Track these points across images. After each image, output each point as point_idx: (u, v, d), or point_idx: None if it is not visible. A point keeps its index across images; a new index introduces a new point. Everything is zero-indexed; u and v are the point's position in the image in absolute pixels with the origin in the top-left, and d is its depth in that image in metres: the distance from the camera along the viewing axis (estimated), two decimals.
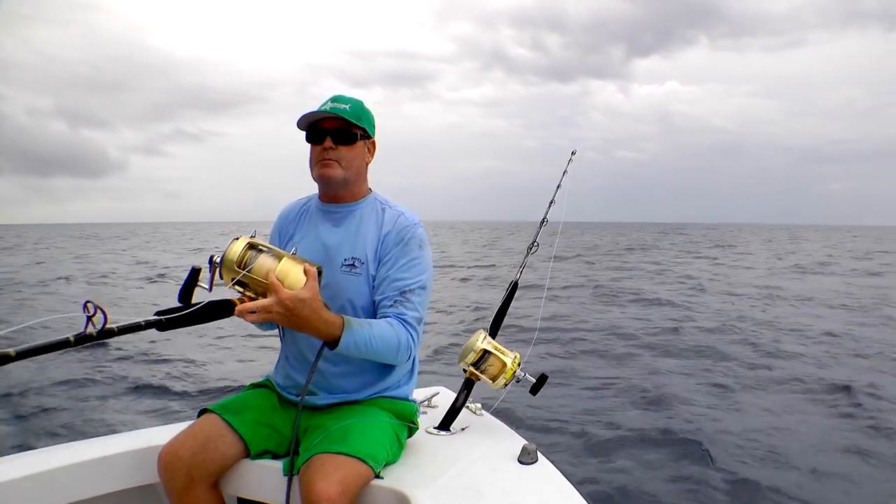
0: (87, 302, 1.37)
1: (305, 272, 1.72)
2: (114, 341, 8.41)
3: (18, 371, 6.84)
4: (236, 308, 1.69)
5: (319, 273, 1.79)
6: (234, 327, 8.81)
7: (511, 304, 2.66)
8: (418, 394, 2.40)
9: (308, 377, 1.89)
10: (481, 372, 2.33)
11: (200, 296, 1.68)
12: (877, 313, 11.99)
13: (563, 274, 19.15)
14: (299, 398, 1.94)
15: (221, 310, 1.66)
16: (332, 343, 1.80)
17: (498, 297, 2.70)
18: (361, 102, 2.06)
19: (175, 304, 1.65)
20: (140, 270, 21.06)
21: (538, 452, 2.01)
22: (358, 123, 2.00)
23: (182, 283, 1.66)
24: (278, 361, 2.18)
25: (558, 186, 2.93)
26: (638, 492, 3.89)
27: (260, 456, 1.98)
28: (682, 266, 23.97)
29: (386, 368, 2.06)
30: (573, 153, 3.00)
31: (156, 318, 1.52)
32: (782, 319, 10.97)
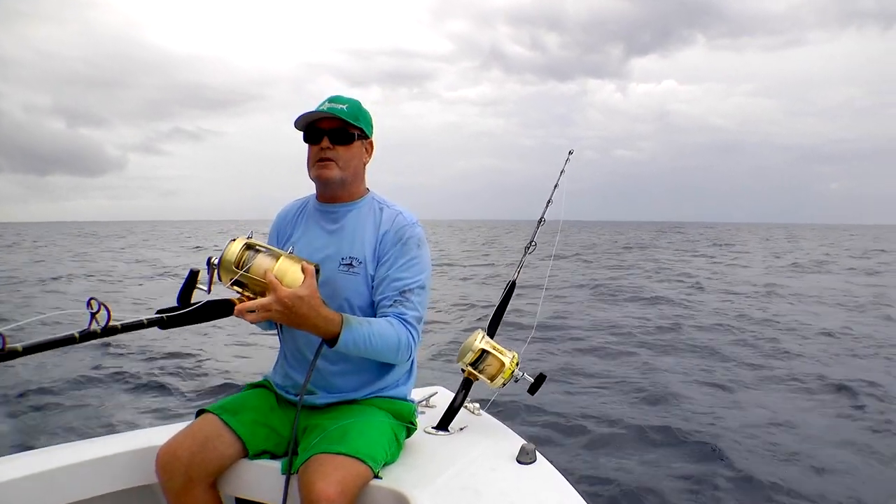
0: (91, 299, 1.38)
1: (303, 270, 1.73)
2: (115, 340, 8.48)
3: (17, 370, 6.85)
4: (235, 308, 1.70)
5: (317, 271, 1.80)
6: (234, 327, 8.82)
7: (509, 304, 2.67)
8: (416, 394, 2.41)
9: (307, 374, 1.89)
10: (479, 372, 2.33)
11: (199, 297, 1.70)
12: (875, 311, 12.04)
13: (562, 273, 19.16)
14: (298, 397, 1.94)
15: (221, 309, 1.69)
16: (332, 340, 1.81)
17: (496, 296, 2.70)
18: (359, 102, 2.06)
19: (175, 303, 1.67)
20: (140, 269, 21.05)
21: (536, 452, 2.01)
22: (355, 123, 2.01)
23: (181, 285, 1.67)
24: (277, 361, 2.19)
25: (556, 186, 2.93)
26: (637, 491, 3.89)
27: (258, 456, 1.98)
28: (680, 264, 24.01)
29: (384, 367, 2.06)
30: (570, 152, 3.00)
31: (158, 316, 1.54)
32: (781, 317, 10.99)
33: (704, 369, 7.12)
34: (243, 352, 8.10)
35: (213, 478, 1.91)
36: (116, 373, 6.97)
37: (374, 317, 1.96)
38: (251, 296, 1.72)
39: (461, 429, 2.31)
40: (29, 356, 1.28)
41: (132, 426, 3.63)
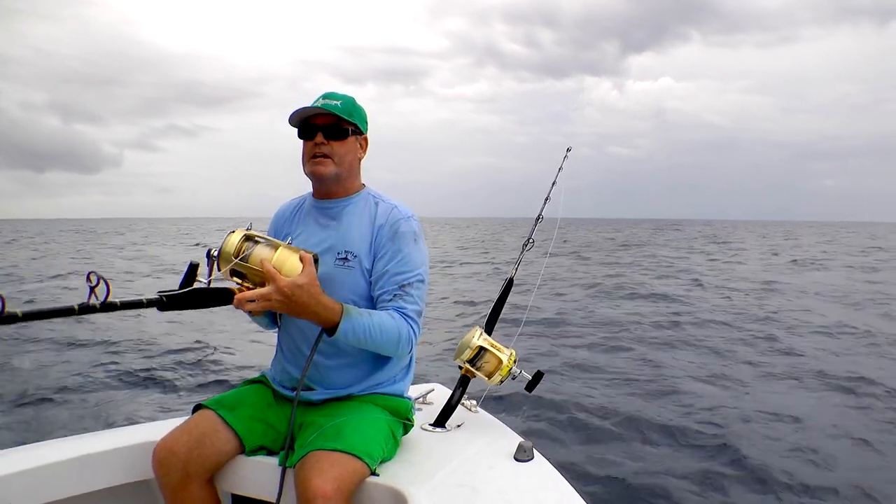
0: (91, 273, 1.40)
1: (302, 259, 1.75)
2: (112, 337, 8.47)
3: (12, 364, 6.85)
4: (235, 297, 1.71)
5: (316, 261, 1.82)
6: (231, 319, 8.81)
7: (507, 300, 2.66)
8: (413, 391, 2.41)
9: (306, 365, 1.90)
10: (477, 369, 2.32)
11: None
12: (873, 307, 12.10)
13: (560, 270, 19.18)
14: (295, 390, 1.94)
15: (221, 297, 1.70)
16: (331, 330, 1.82)
17: (493, 293, 2.70)
18: (353, 99, 2.07)
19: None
20: (140, 266, 21.05)
21: (534, 450, 2.00)
22: (349, 119, 2.02)
23: (181, 278, 1.68)
24: (274, 357, 2.19)
25: (554, 183, 2.93)
26: (636, 488, 3.88)
27: (255, 452, 1.98)
28: (679, 261, 24.04)
29: (381, 362, 2.06)
30: (568, 150, 2.99)
31: (157, 296, 1.56)
32: (781, 313, 11.03)
33: (703, 365, 7.14)
34: (241, 347, 8.08)
35: (210, 474, 1.91)
36: (113, 369, 6.97)
37: (374, 308, 1.97)
38: (251, 286, 1.74)
39: (458, 426, 2.30)
40: (28, 322, 1.30)
41: (129, 422, 3.63)
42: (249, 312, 1.86)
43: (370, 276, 1.99)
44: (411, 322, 1.94)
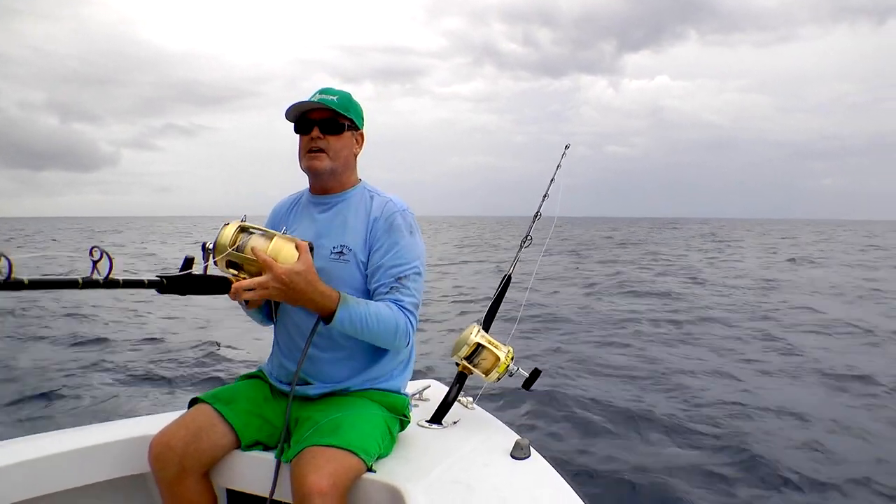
0: (94, 247, 1.41)
1: (298, 247, 1.76)
2: (109, 333, 8.47)
3: (6, 355, 6.84)
4: (232, 286, 1.72)
5: (311, 249, 1.83)
6: (228, 310, 8.80)
7: (504, 298, 2.66)
8: (409, 387, 2.40)
9: (302, 356, 1.91)
10: (474, 366, 2.32)
11: None
12: (872, 304, 12.18)
13: (558, 269, 19.21)
14: (291, 384, 1.95)
15: (220, 285, 1.71)
16: (328, 318, 1.83)
17: (491, 290, 2.69)
18: (349, 94, 2.08)
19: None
20: (141, 264, 21.04)
21: (531, 448, 2.00)
22: (345, 114, 2.03)
23: (179, 270, 1.68)
24: (271, 352, 2.19)
25: (552, 180, 2.92)
26: (634, 487, 3.87)
27: (251, 447, 1.98)
28: (678, 259, 24.10)
29: (378, 355, 2.06)
30: (567, 147, 2.99)
31: (158, 278, 1.56)
32: (780, 310, 11.08)
33: (702, 362, 7.13)
34: (244, 345, 8.09)
35: (206, 468, 1.92)
36: (115, 367, 6.97)
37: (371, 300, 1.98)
38: (247, 277, 1.75)
39: (454, 423, 2.30)
40: (35, 290, 1.31)
41: (125, 415, 3.61)
42: (245, 303, 1.87)
43: (366, 270, 2.00)
44: (408, 314, 1.95)
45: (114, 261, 1.41)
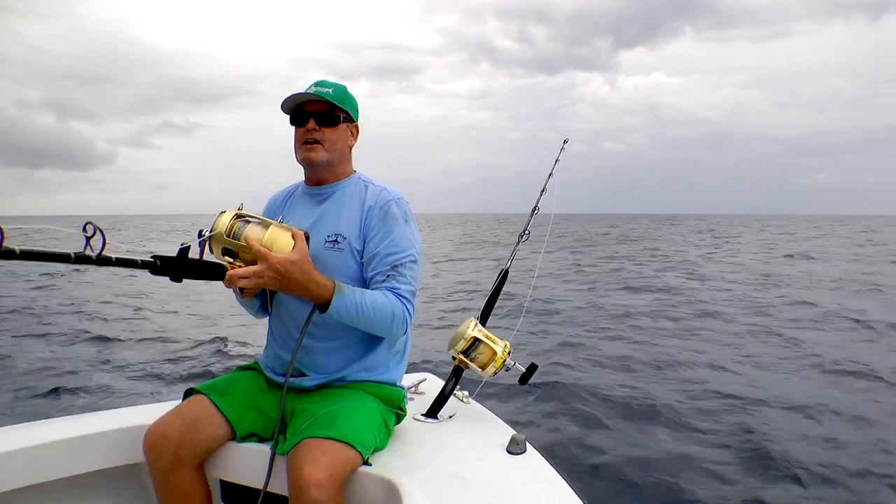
0: (88, 223, 1.40)
1: (293, 236, 1.76)
2: (106, 332, 8.45)
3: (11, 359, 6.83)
4: (227, 273, 1.72)
5: (307, 237, 1.84)
6: (222, 302, 8.80)
7: (502, 292, 2.65)
8: (405, 380, 2.40)
9: (296, 345, 1.91)
10: (471, 360, 2.31)
11: None
12: (871, 297, 12.28)
13: (556, 264, 19.22)
14: (286, 375, 1.94)
15: (214, 271, 1.71)
16: (323, 307, 1.84)
17: (488, 285, 2.69)
18: (345, 87, 2.09)
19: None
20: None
21: (527, 443, 1.99)
22: (341, 106, 2.04)
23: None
24: (266, 343, 2.19)
25: (550, 175, 2.91)
26: (632, 483, 3.87)
27: (245, 439, 1.97)
28: (676, 254, 24.13)
29: (373, 344, 2.06)
30: (565, 142, 2.98)
31: (151, 259, 1.55)
32: (780, 305, 11.13)
33: (703, 357, 7.14)
34: (245, 338, 8.09)
35: (201, 459, 1.91)
36: (113, 360, 6.97)
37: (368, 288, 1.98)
38: (242, 265, 1.75)
39: (450, 417, 2.29)
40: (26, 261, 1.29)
41: (118, 405, 3.61)
42: (240, 291, 1.88)
43: (361, 258, 2.00)
44: (405, 302, 1.95)
45: (107, 238, 1.39)
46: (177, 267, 1.60)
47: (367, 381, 2.05)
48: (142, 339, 8.23)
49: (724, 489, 3.79)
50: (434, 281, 15.23)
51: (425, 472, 1.81)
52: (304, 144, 2.03)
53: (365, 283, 2.00)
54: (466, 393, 2.50)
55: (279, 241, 1.76)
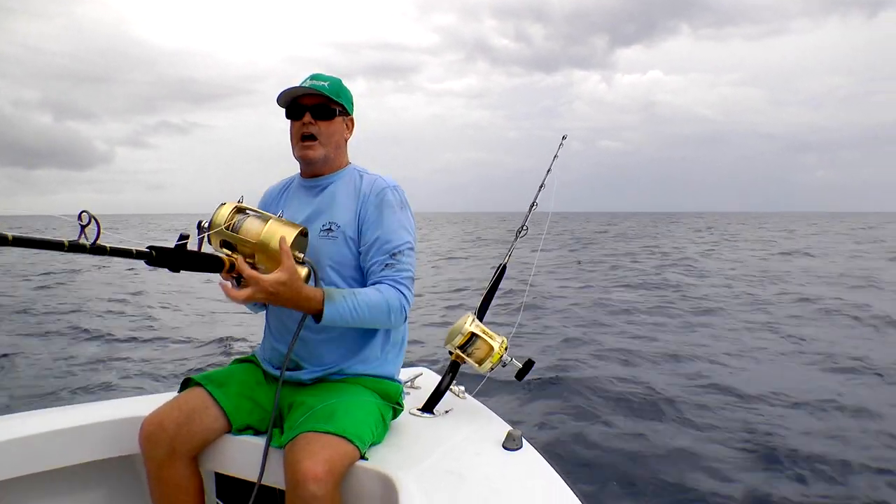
0: (83, 212, 1.37)
1: (281, 249, 1.75)
2: (104, 322, 8.42)
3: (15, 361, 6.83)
4: (222, 286, 1.73)
5: (305, 234, 1.86)
6: (217, 299, 8.80)
7: (499, 288, 2.65)
8: (401, 374, 2.40)
9: (291, 344, 1.91)
10: (468, 355, 2.31)
11: None
12: (874, 292, 12.39)
13: (556, 261, 19.24)
14: (282, 368, 1.95)
15: (211, 263, 1.70)
16: (317, 316, 1.84)
17: (485, 281, 2.69)
18: (340, 80, 2.09)
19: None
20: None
21: (523, 439, 1.99)
22: (336, 99, 2.05)
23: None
24: (263, 337, 2.20)
25: (548, 171, 2.91)
26: (630, 481, 3.87)
27: (241, 431, 1.98)
28: (674, 252, 24.17)
29: (370, 335, 2.06)
30: (564, 137, 2.99)
31: (147, 249, 1.53)
32: (782, 300, 11.17)
33: (703, 353, 7.13)
34: (252, 336, 8.09)
35: (196, 451, 1.91)
36: (105, 352, 6.97)
37: (364, 279, 2.00)
38: (241, 258, 1.75)
39: (446, 412, 2.30)
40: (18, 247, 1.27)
41: (113, 396, 3.59)
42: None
43: (357, 247, 2.01)
44: (403, 289, 1.95)
45: (101, 226, 1.38)
46: (173, 258, 1.58)
47: (365, 374, 2.05)
48: (144, 339, 8.22)
49: (722, 485, 3.79)
50: (434, 279, 15.23)
51: (421, 466, 1.81)
52: (301, 142, 2.04)
53: (360, 271, 2.01)
54: (463, 388, 2.50)
55: (277, 237, 1.76)
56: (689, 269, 16.93)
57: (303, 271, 1.83)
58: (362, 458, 1.80)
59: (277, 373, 2.03)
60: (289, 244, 1.76)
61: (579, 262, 19.54)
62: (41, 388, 5.80)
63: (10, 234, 1.25)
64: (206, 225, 1.75)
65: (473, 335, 2.31)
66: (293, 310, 1.85)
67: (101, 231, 1.38)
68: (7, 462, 1.87)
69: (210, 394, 1.94)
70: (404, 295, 1.95)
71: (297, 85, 2.02)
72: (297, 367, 2.04)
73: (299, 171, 2.18)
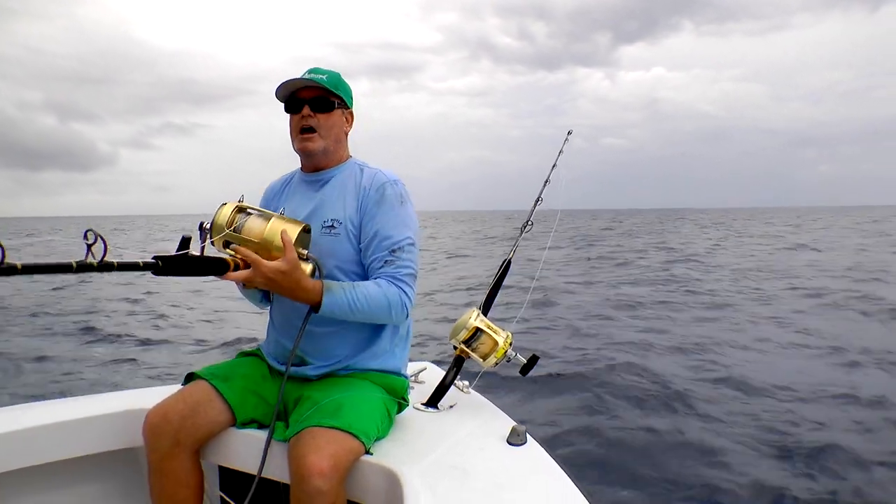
0: (89, 230, 1.38)
1: (284, 243, 1.75)
2: (102, 320, 8.46)
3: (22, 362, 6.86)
4: (223, 276, 1.73)
5: (308, 231, 1.86)
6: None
7: (503, 283, 2.65)
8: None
9: (297, 339, 1.91)
10: (472, 350, 2.30)
11: None
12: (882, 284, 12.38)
13: (565, 258, 19.23)
14: (287, 362, 1.95)
15: (215, 266, 1.70)
16: (316, 307, 1.86)
17: (490, 276, 2.68)
18: (338, 74, 2.08)
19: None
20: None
21: (527, 434, 1.99)
22: (335, 92, 2.04)
23: (175, 251, 1.67)
24: (268, 331, 2.19)
25: (553, 166, 2.90)
26: (630, 478, 3.86)
27: (246, 425, 1.97)
28: (684, 247, 24.13)
29: (375, 329, 2.05)
30: (569, 133, 2.97)
31: (153, 260, 1.54)
32: (788, 295, 11.15)
33: (708, 345, 7.14)
34: (248, 336, 8.11)
35: (199, 445, 1.91)
36: (117, 352, 6.99)
37: (367, 275, 1.99)
38: (244, 257, 1.75)
39: (451, 407, 2.29)
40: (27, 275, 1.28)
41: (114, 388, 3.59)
42: (242, 284, 1.91)
43: (359, 242, 2.00)
44: (403, 286, 1.94)
45: (108, 244, 1.39)
46: (179, 265, 1.59)
47: (372, 369, 2.04)
48: (155, 340, 8.26)
49: (731, 480, 3.77)
50: (438, 278, 15.25)
51: (426, 461, 1.81)
52: (301, 134, 2.03)
53: (364, 268, 2.00)
54: (467, 383, 2.49)
55: (279, 235, 1.76)
56: (697, 264, 16.93)
57: (307, 268, 1.84)
58: (367, 452, 1.80)
59: (283, 368, 2.02)
60: (292, 241, 1.76)
61: (589, 259, 19.52)
62: (49, 389, 5.82)
63: (18, 262, 1.25)
64: (208, 226, 1.75)
65: (478, 330, 2.30)
66: (293, 301, 1.86)
67: (108, 248, 1.39)
68: (10, 453, 1.87)
69: (215, 388, 1.94)
70: (405, 291, 1.94)
71: (296, 77, 2.01)
72: (303, 363, 2.03)
73: (300, 166, 2.17)
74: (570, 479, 1.75)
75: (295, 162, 2.19)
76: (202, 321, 9.56)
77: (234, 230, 1.78)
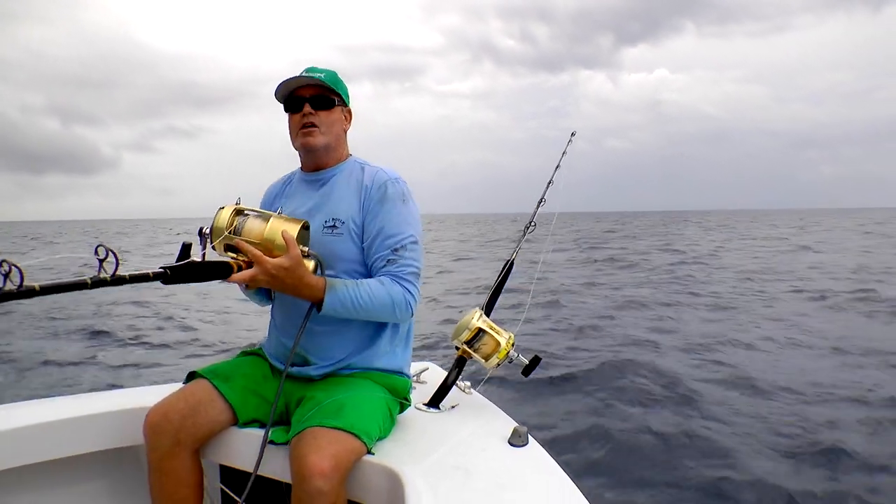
0: (99, 246, 1.41)
1: (286, 240, 1.76)
2: (104, 312, 8.46)
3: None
4: (228, 278, 1.74)
5: (307, 228, 1.85)
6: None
7: (506, 284, 2.64)
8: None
9: (297, 337, 1.91)
10: (474, 350, 2.30)
11: None
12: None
13: (569, 261, 19.23)
14: (287, 361, 1.94)
15: (220, 270, 1.72)
16: (318, 304, 1.85)
17: (493, 277, 2.68)
18: (335, 72, 2.09)
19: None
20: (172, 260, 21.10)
21: (529, 435, 1.98)
22: (334, 89, 2.04)
23: (176, 259, 1.68)
24: (269, 331, 2.19)
25: (557, 167, 2.90)
26: (631, 477, 3.85)
27: (247, 424, 1.97)
28: (690, 249, 24.14)
29: (376, 328, 2.04)
30: (573, 134, 2.97)
31: (161, 269, 1.56)
32: (791, 297, 11.07)
33: (707, 350, 7.10)
34: (256, 339, 8.12)
35: (200, 444, 1.91)
36: (126, 357, 7.00)
37: (370, 275, 1.98)
38: (246, 259, 1.76)
39: (452, 407, 2.28)
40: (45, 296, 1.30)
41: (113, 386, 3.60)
42: (245, 286, 1.91)
43: (361, 241, 1.99)
44: (407, 284, 1.94)
45: (119, 258, 1.41)
46: (186, 273, 1.61)
47: (374, 369, 2.03)
48: (158, 342, 8.27)
49: (738, 480, 3.76)
50: (444, 279, 15.25)
51: (427, 461, 1.80)
52: (302, 129, 2.02)
53: (367, 266, 2.00)
54: (468, 383, 2.49)
55: (279, 234, 1.77)
56: (703, 265, 16.94)
57: (310, 264, 1.84)
58: (369, 452, 1.79)
59: (283, 367, 2.01)
60: (293, 238, 1.77)
61: (595, 261, 19.54)
62: (53, 393, 5.82)
63: (36, 284, 1.27)
64: (208, 231, 1.76)
65: (480, 331, 2.30)
66: (295, 297, 1.85)
67: (120, 261, 1.41)
68: (10, 451, 1.87)
69: (216, 387, 1.94)
70: (409, 290, 1.94)
71: (295, 76, 2.01)
72: (305, 362, 2.03)
73: (300, 165, 2.17)
74: (571, 481, 1.74)
75: (294, 163, 2.19)
76: (206, 323, 9.58)
77: (234, 232, 1.78)
